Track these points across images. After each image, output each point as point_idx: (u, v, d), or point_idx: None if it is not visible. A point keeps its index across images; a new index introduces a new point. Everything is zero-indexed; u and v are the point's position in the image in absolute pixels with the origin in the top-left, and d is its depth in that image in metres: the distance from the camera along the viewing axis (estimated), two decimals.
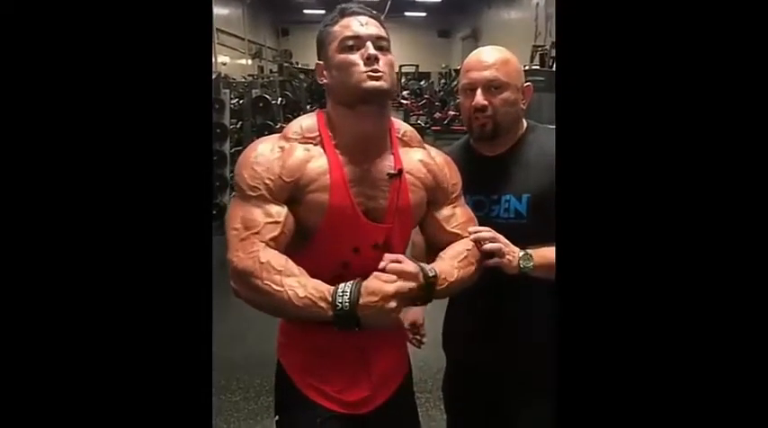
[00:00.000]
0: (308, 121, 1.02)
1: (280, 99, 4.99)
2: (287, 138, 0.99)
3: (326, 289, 0.89)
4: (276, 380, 1.13)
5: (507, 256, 1.05)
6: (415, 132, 1.11)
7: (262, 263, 0.89)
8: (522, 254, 1.06)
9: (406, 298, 0.92)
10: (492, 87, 1.13)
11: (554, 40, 7.94)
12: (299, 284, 0.89)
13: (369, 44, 0.94)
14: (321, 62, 1.00)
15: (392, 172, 1.00)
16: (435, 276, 0.97)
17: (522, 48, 8.29)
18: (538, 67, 7.43)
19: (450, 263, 1.01)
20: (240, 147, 4.81)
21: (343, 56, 0.95)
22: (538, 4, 9.84)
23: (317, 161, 0.97)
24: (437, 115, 9.47)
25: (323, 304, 0.87)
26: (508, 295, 1.17)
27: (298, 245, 0.97)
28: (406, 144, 1.06)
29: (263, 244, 0.92)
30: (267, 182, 0.94)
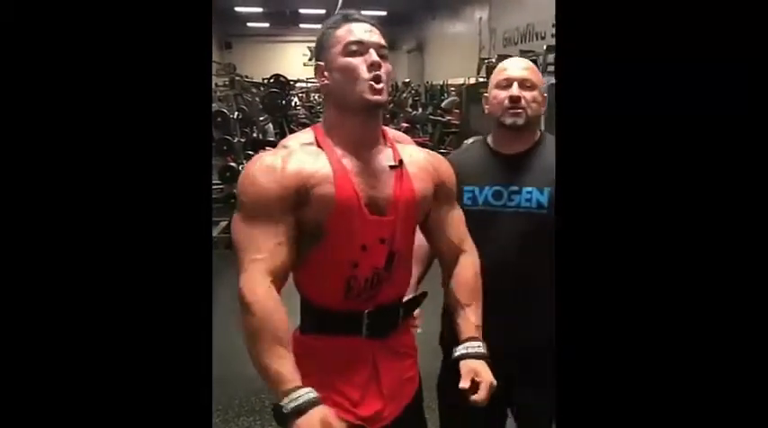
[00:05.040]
0: (306, 134, 1.07)
1: (236, 113, 4.92)
2: (286, 147, 1.04)
3: (290, 380, 0.88)
4: None
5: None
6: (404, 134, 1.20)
7: (262, 316, 0.90)
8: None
9: None
10: (526, 85, 1.24)
11: (498, 53, 8.21)
12: (275, 356, 0.89)
13: (372, 51, 0.99)
14: (322, 63, 1.03)
15: (393, 163, 1.05)
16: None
17: (468, 60, 8.52)
18: (485, 79, 7.65)
19: (477, 307, 1.11)
20: None
21: (346, 59, 0.99)
22: (481, 18, 10.16)
23: (317, 158, 1.00)
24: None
25: (275, 388, 0.88)
26: (511, 293, 1.23)
27: (307, 251, 1.00)
28: (399, 141, 1.13)
29: (270, 279, 0.93)
30: (272, 196, 0.96)
